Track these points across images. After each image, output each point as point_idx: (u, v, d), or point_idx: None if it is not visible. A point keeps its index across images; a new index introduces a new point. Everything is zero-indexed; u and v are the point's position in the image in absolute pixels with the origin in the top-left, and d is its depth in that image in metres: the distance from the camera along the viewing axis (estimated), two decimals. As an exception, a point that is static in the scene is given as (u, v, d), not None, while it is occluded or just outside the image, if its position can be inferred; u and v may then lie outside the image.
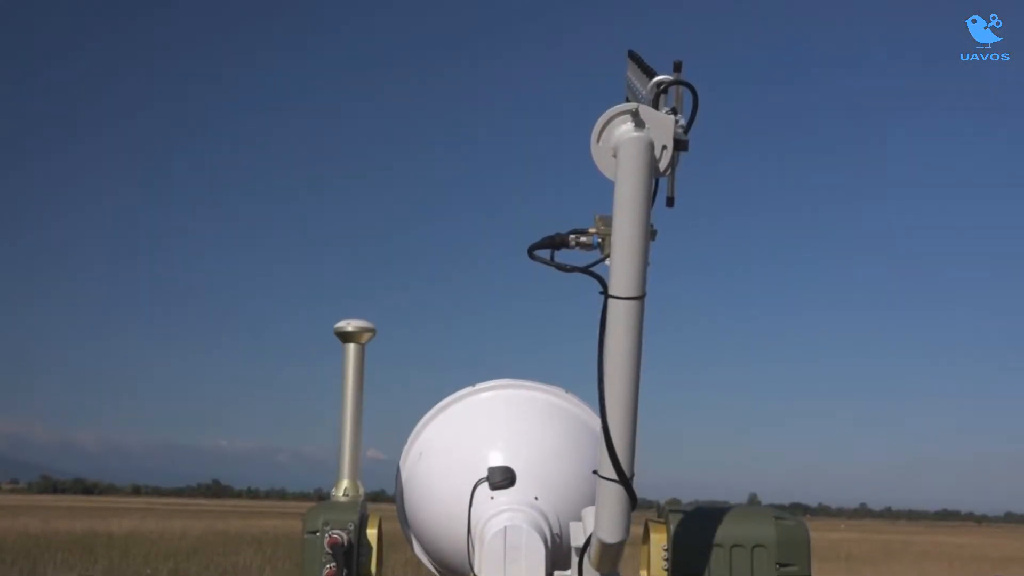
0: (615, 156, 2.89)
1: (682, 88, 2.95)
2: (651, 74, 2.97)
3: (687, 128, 2.95)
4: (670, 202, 2.97)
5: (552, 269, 3.12)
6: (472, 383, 4.33)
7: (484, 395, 4.28)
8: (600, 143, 2.94)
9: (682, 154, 2.94)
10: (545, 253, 3.10)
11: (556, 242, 3.12)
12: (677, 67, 2.94)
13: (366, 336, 4.27)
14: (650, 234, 2.92)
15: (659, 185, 2.97)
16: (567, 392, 4.30)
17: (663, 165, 2.93)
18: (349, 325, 4.25)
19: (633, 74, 3.11)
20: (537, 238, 3.12)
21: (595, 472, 3.03)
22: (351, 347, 4.26)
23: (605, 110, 2.96)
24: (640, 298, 2.89)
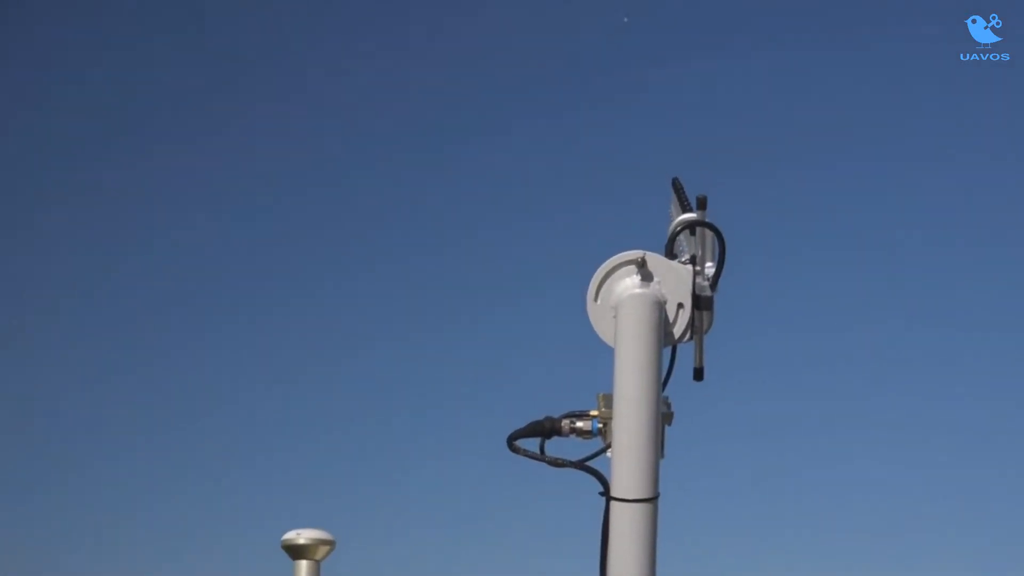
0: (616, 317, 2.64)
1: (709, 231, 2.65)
2: (687, 208, 2.68)
3: (714, 282, 2.63)
4: (698, 375, 2.64)
5: (541, 464, 2.75)
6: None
7: None
8: (599, 301, 2.66)
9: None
10: (533, 443, 2.77)
11: (545, 429, 2.75)
12: (702, 204, 2.63)
13: (322, 550, 3.90)
14: (664, 417, 2.64)
15: (677, 353, 2.67)
16: None
17: (679, 329, 2.62)
18: (300, 537, 3.86)
19: (674, 208, 2.78)
20: (521, 423, 2.78)
21: None
22: (303, 564, 3.89)
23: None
24: (652, 500, 2.58)
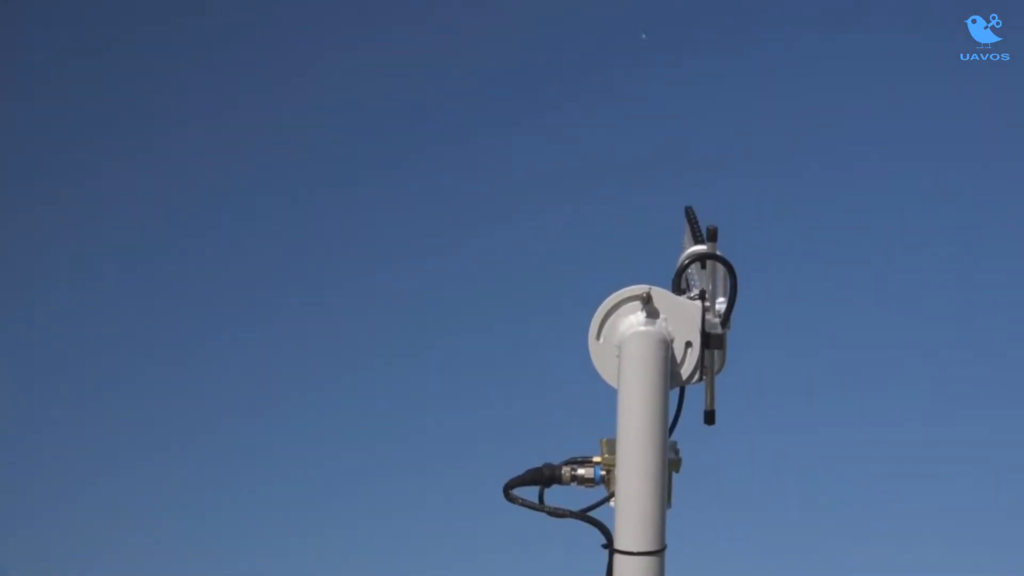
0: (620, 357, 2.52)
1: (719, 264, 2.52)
2: (700, 240, 2.57)
3: (725, 318, 2.50)
4: (709, 418, 2.55)
5: (540, 514, 2.65)
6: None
7: None
8: (601, 340, 2.55)
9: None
10: (531, 492, 2.68)
11: (545, 476, 2.65)
12: (712, 235, 2.51)
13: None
14: (672, 464, 2.54)
15: (685, 395, 2.59)
16: None
17: (687, 369, 2.51)
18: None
19: (687, 239, 2.67)
20: (519, 471, 2.70)
21: None
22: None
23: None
24: (658, 553, 2.50)
